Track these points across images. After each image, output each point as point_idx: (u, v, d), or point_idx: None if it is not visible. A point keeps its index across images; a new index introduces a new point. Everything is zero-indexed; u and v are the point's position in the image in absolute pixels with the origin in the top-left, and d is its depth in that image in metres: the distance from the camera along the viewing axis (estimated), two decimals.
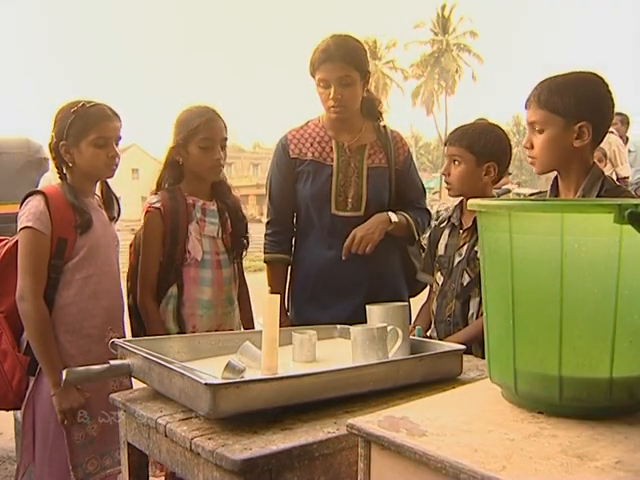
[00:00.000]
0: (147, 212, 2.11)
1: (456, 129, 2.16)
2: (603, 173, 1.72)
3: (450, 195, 2.18)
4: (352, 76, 2.21)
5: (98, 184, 2.16)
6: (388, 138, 2.40)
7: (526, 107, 1.72)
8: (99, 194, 2.18)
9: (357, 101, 2.29)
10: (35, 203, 1.95)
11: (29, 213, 1.93)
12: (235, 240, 2.23)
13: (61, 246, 1.95)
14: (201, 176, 2.16)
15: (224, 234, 2.19)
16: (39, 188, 2.03)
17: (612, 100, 1.67)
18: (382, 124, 2.42)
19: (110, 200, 2.20)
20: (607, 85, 1.66)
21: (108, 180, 2.18)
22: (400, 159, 2.41)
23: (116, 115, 2.06)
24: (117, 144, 2.05)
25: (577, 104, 1.62)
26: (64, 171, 2.05)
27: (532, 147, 1.72)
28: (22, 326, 1.95)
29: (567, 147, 1.66)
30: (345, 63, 2.19)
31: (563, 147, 1.67)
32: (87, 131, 1.98)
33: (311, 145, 2.35)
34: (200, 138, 2.07)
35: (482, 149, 2.06)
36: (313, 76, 2.27)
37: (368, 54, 2.35)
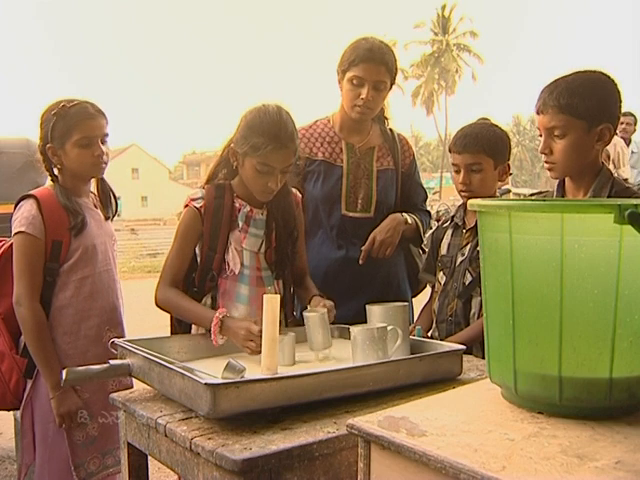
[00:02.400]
0: (186, 207, 1.88)
1: (463, 136, 2.10)
2: (612, 174, 1.71)
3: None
4: (386, 83, 2.23)
5: (93, 182, 2.13)
6: (395, 141, 2.41)
7: (540, 112, 1.67)
8: (95, 192, 2.16)
9: (380, 107, 2.31)
10: (27, 207, 1.94)
11: (22, 218, 1.92)
12: (279, 257, 1.94)
13: (56, 249, 1.94)
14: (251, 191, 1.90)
15: (268, 248, 1.92)
16: (32, 192, 1.99)
17: (621, 100, 1.66)
18: (389, 127, 2.44)
19: (106, 198, 2.16)
20: (617, 84, 1.65)
21: (107, 178, 2.16)
22: (406, 162, 2.44)
23: (99, 112, 2.01)
24: (104, 142, 2.01)
25: (599, 106, 1.60)
26: (55, 173, 2.03)
27: (551, 153, 1.68)
28: (20, 328, 1.95)
29: (588, 150, 1.65)
30: (386, 69, 2.20)
31: (585, 151, 1.65)
32: (70, 132, 1.95)
33: (321, 145, 2.35)
34: (259, 162, 1.80)
35: (499, 151, 2.07)
36: (344, 71, 2.24)
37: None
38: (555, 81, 1.66)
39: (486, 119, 2.27)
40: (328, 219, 2.33)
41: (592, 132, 1.63)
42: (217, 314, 1.68)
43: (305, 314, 1.73)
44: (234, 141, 1.85)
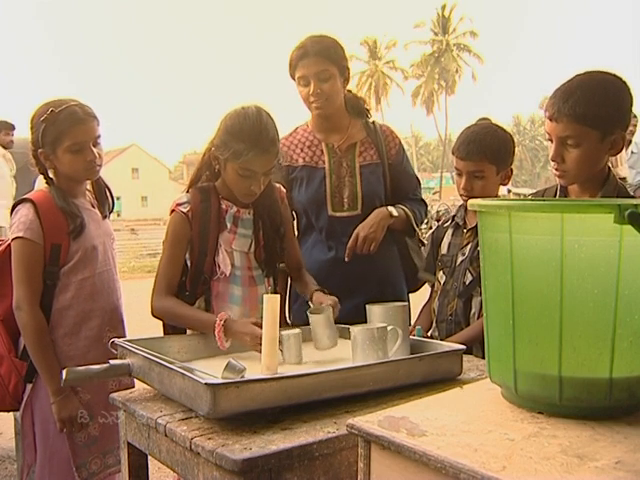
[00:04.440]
0: (173, 212, 1.87)
1: (467, 141, 2.06)
2: (617, 180, 1.70)
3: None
4: (330, 70, 2.22)
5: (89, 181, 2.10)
6: (378, 133, 2.39)
7: (553, 119, 1.61)
8: (90, 189, 2.13)
9: (338, 96, 2.29)
10: (24, 212, 1.92)
11: (19, 222, 1.90)
12: (268, 255, 1.95)
13: (55, 252, 1.93)
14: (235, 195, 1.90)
15: (257, 247, 1.93)
16: (28, 195, 1.97)
17: (633, 104, 1.63)
18: (371, 120, 2.42)
19: (102, 196, 2.14)
20: (630, 89, 1.61)
21: (104, 176, 2.14)
22: (392, 153, 2.40)
23: (89, 115, 1.97)
24: (96, 144, 1.98)
25: (615, 115, 1.58)
26: (50, 175, 2.00)
27: (562, 161, 1.64)
28: (19, 330, 1.94)
29: (600, 159, 1.63)
30: (322, 57, 2.20)
31: (597, 159, 1.63)
32: (60, 139, 1.91)
33: (301, 151, 2.35)
34: (241, 167, 1.79)
35: (503, 158, 2.06)
36: (293, 77, 2.27)
37: (345, 51, 2.33)
38: (569, 86, 1.61)
39: (486, 119, 2.25)
40: (317, 222, 2.33)
41: (605, 141, 1.60)
42: (218, 320, 1.66)
43: (310, 315, 1.72)
44: (214, 145, 1.84)
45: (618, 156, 5.73)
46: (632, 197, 1.72)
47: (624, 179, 5.87)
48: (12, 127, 6.92)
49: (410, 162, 2.54)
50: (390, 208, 2.29)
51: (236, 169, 1.80)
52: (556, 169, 1.68)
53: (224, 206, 1.89)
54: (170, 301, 1.80)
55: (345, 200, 2.31)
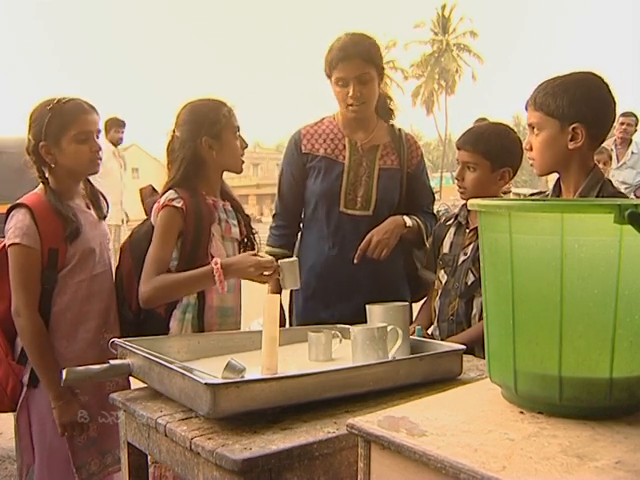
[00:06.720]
0: (165, 207, 1.90)
1: (468, 133, 2.11)
2: (603, 176, 1.71)
3: (463, 199, 2.13)
4: (370, 73, 2.21)
5: (81, 184, 2.09)
6: (402, 141, 2.39)
7: (526, 109, 1.72)
8: (84, 192, 2.11)
9: (375, 98, 2.29)
10: (20, 217, 1.89)
11: (15, 228, 1.88)
12: (246, 243, 2.12)
13: (53, 256, 1.91)
14: (224, 170, 2.07)
15: (242, 236, 2.09)
16: (22, 200, 1.94)
17: (612, 100, 1.65)
18: (398, 127, 2.42)
19: (96, 199, 2.13)
20: (606, 85, 1.65)
21: (102, 178, 2.14)
22: (413, 162, 2.41)
23: (93, 108, 1.99)
24: (97, 137, 1.99)
25: (570, 106, 1.61)
26: (46, 175, 1.98)
27: (531, 149, 1.72)
28: (15, 333, 1.92)
29: (562, 149, 1.66)
30: (363, 60, 2.18)
31: (558, 149, 1.67)
32: (66, 128, 1.91)
33: (324, 142, 2.35)
34: (233, 131, 2.04)
35: (498, 155, 2.06)
36: (329, 75, 2.26)
37: (382, 51, 2.33)
38: (542, 82, 1.69)
39: (484, 119, 2.27)
40: (326, 216, 2.32)
41: (564, 131, 1.64)
42: (214, 266, 1.80)
43: (309, 334, 1.71)
44: (194, 136, 1.97)
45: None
46: (619, 193, 1.76)
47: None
48: (122, 124, 6.90)
49: (429, 176, 2.55)
50: (405, 217, 2.29)
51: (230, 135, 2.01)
52: (529, 158, 1.76)
53: (210, 201, 1.99)
54: (158, 278, 1.83)
55: (358, 199, 2.31)
